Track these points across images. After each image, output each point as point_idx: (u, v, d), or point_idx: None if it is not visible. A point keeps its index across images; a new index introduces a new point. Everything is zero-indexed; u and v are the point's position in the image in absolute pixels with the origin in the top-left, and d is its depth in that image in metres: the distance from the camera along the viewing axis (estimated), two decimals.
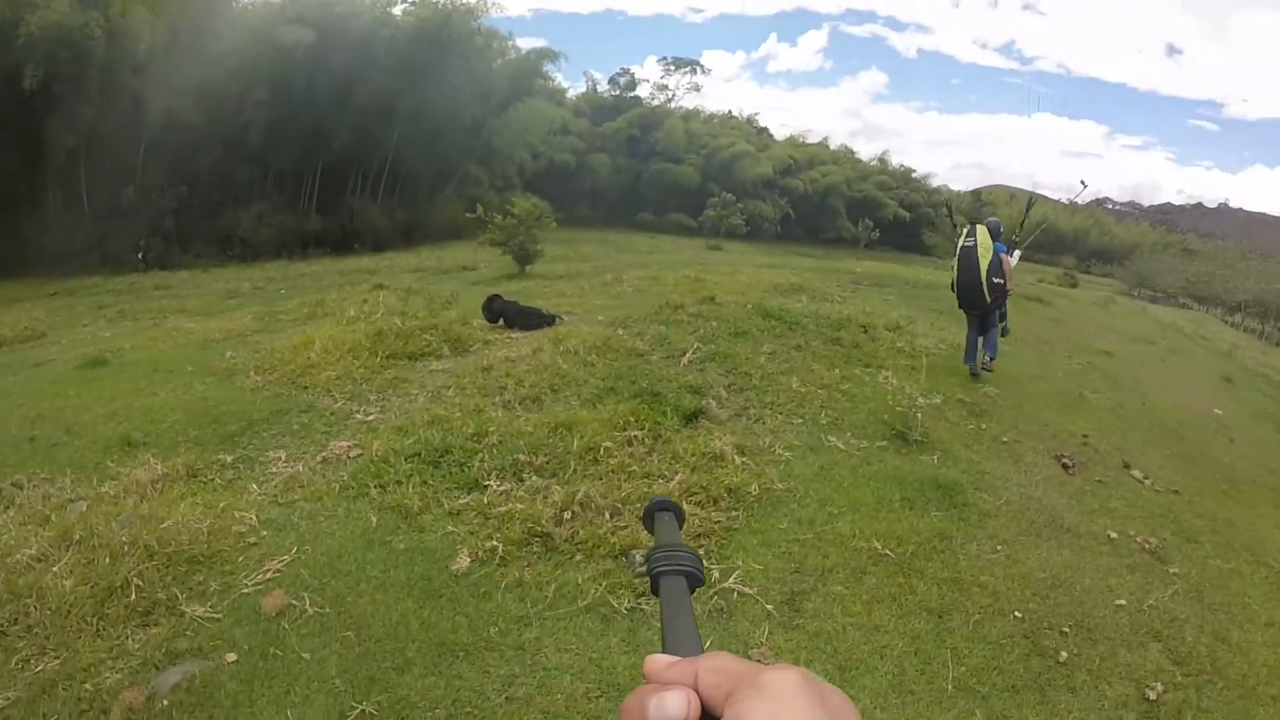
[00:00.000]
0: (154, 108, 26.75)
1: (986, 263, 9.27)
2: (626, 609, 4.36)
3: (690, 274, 15.72)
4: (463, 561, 4.65)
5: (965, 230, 9.63)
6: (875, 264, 28.76)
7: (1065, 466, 7.77)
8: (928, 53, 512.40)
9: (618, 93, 58.00)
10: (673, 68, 62.00)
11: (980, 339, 10.05)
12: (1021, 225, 12.27)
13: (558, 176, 46.48)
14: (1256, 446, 12.33)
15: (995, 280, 9.32)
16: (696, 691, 0.53)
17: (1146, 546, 6.24)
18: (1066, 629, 4.80)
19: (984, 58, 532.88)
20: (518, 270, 18.95)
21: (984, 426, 8.29)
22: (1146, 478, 8.12)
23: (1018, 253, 10.73)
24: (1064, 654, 4.54)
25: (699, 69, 63.11)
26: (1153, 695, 4.33)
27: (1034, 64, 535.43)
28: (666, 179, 52.38)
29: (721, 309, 10.91)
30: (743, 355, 8.93)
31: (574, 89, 58.13)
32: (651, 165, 53.06)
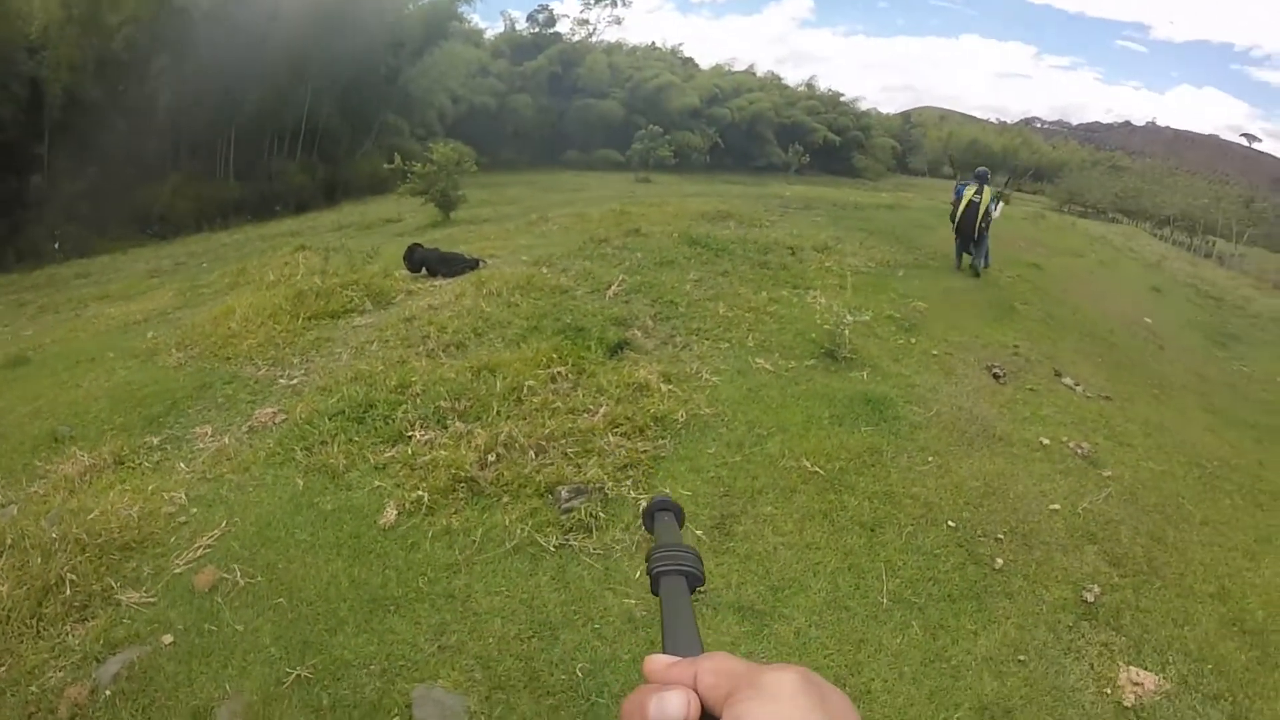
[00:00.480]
0: (54, 88, 25.33)
1: (983, 209, 12.59)
2: (554, 546, 4.36)
3: (616, 208, 15.35)
4: (390, 515, 4.61)
5: (974, 189, 12.80)
6: (805, 188, 28.40)
7: (996, 376, 7.90)
8: None
9: (537, 30, 55.37)
10: (593, 1, 60.59)
11: (967, 255, 13.25)
12: (1004, 187, 15.91)
13: (480, 120, 44.53)
14: (1185, 353, 12.79)
15: (983, 224, 12.70)
16: (696, 692, 0.53)
17: (1079, 451, 6.37)
18: (1001, 536, 4.89)
19: None
20: (442, 218, 18.55)
21: (914, 341, 8.39)
22: (1078, 385, 8.32)
23: (1001, 204, 13.75)
24: (999, 561, 4.64)
25: (619, 1, 61.89)
26: (1090, 597, 4.45)
27: None
28: (591, 115, 50.58)
29: (647, 240, 10.83)
30: (669, 284, 8.87)
31: (492, 29, 56.14)
32: (575, 102, 51.15)
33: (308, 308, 8.37)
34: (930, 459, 5.69)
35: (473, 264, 9.92)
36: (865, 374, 7.10)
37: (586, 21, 59.22)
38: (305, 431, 5.62)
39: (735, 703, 0.49)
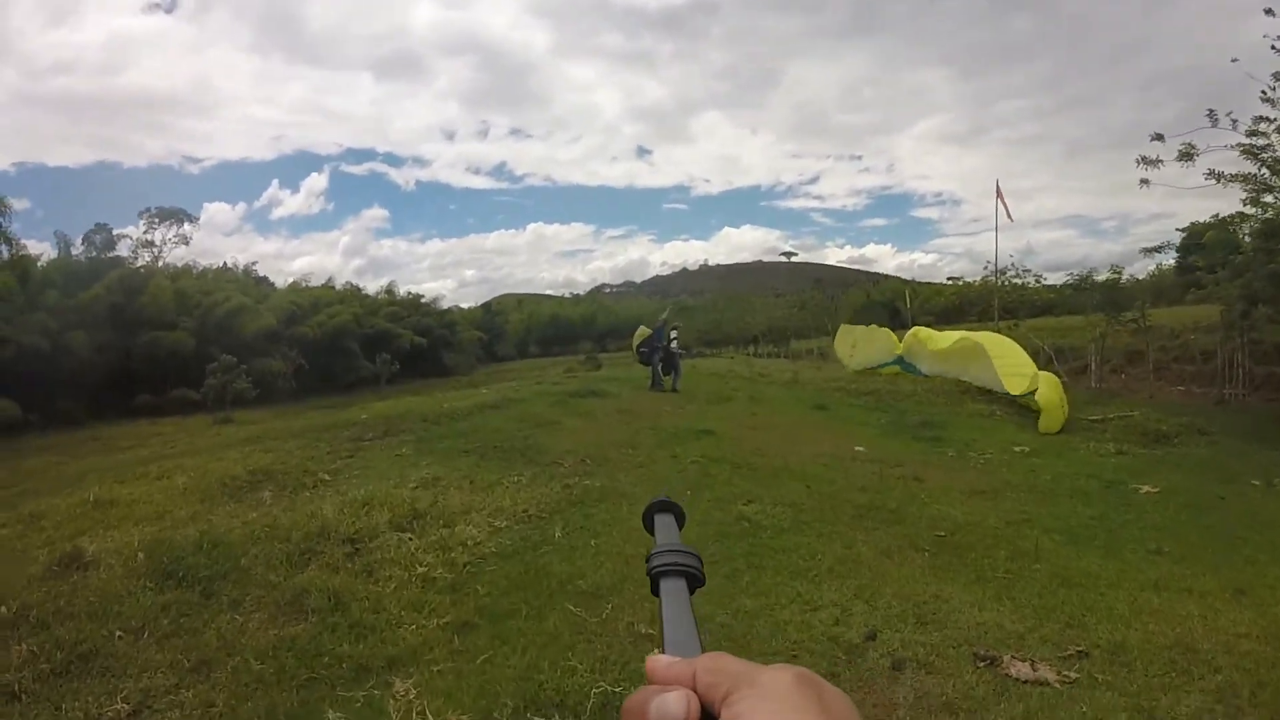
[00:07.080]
0: None
1: (644, 339, 20.67)
2: None
3: (90, 496, 8.84)
4: None
5: (647, 333, 20.83)
6: (389, 403, 19.87)
7: None
8: (425, 184, 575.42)
9: (94, 254, 48.94)
10: (158, 220, 55.23)
11: (666, 376, 19.82)
12: (672, 333, 21.10)
13: (30, 365, 34.63)
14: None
15: (643, 349, 20.45)
16: (695, 691, 0.50)
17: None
18: None
19: (478, 182, 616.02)
20: None
21: None
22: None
23: (675, 342, 20.60)
24: None
25: (186, 219, 56.89)
26: None
27: (524, 181, 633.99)
28: (161, 349, 42.78)
29: (88, 582, 5.69)
30: None
31: (47, 254, 46.53)
32: (142, 336, 42.77)
33: None
34: None
35: None
36: None
37: (151, 243, 54.52)
38: None
39: (733, 701, 0.47)
